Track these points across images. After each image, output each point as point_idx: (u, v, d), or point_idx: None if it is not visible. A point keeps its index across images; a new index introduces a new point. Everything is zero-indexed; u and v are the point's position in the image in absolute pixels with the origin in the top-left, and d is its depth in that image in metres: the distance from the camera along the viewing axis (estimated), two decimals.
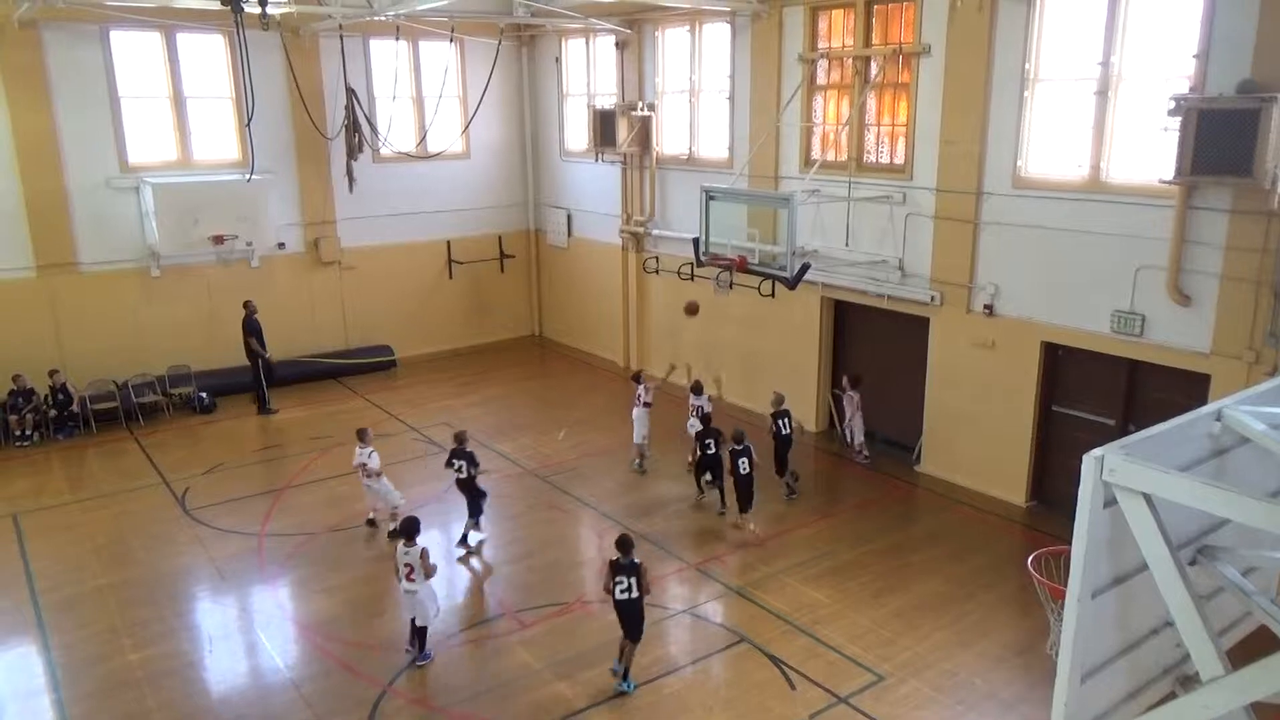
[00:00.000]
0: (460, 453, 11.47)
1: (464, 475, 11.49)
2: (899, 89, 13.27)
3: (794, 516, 12.27)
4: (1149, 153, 10.45)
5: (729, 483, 11.97)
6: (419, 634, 9.19)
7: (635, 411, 13.78)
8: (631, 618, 8.72)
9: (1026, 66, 11.52)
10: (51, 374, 15.27)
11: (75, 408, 15.45)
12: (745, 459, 11.58)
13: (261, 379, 16.63)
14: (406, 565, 9.05)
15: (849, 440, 14.14)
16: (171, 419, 16.12)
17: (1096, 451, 3.68)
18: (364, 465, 11.76)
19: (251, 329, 16.51)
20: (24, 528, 12.08)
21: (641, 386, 13.85)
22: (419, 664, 9.13)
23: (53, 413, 15.27)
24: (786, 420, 12.54)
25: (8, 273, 15.31)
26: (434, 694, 8.63)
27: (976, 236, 12.36)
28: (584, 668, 8.99)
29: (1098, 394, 11.71)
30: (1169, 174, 9.78)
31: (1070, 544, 3.89)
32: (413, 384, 18.00)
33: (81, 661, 9.20)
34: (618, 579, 8.67)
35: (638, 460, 13.79)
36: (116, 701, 8.58)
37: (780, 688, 8.66)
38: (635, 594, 8.64)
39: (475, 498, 11.65)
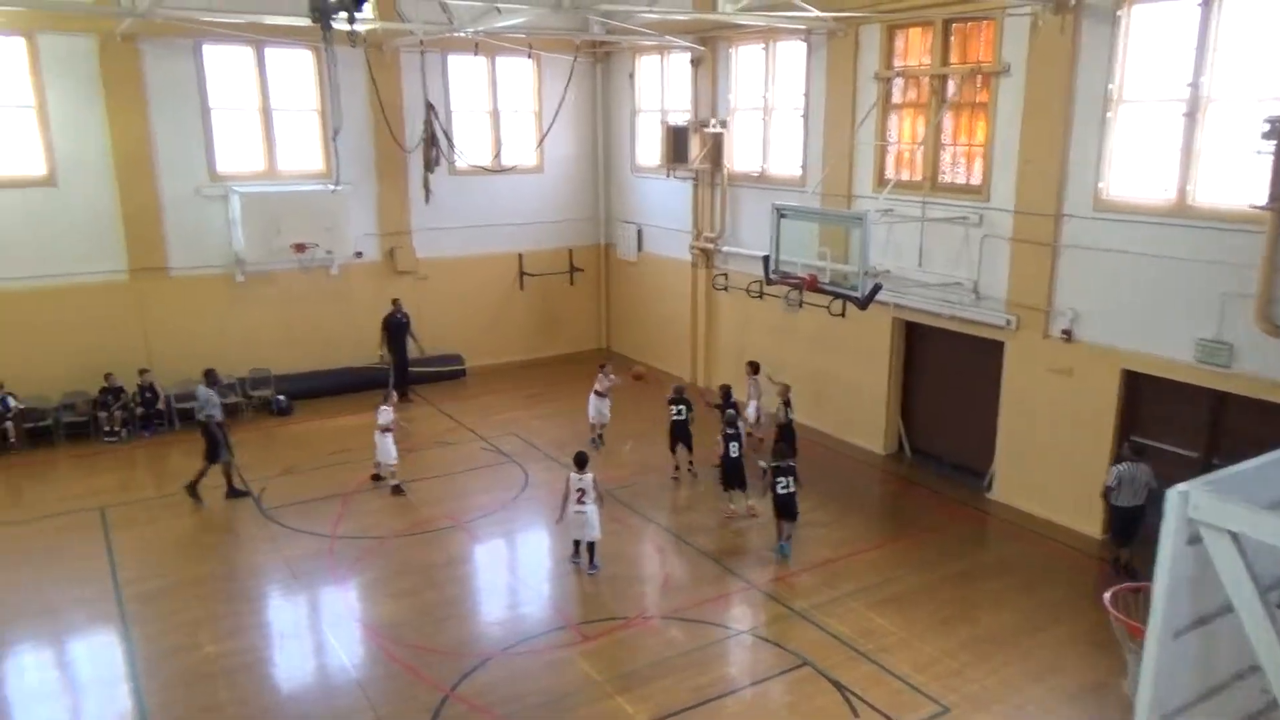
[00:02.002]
0: (678, 399, 13.71)
1: (682, 418, 13.65)
2: (976, 108, 13.08)
3: (860, 539, 12.11)
4: (1240, 176, 10.11)
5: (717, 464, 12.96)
6: (590, 548, 11.15)
7: (591, 398, 15.21)
8: (789, 507, 11.42)
9: (1110, 87, 11.26)
10: (141, 373, 15.91)
11: (161, 406, 16.07)
12: (735, 443, 12.53)
13: (395, 374, 17.63)
14: (579, 490, 10.96)
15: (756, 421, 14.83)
16: (250, 420, 16.63)
17: (1181, 486, 3.58)
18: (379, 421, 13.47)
19: (388, 325, 17.49)
20: (110, 520, 12.58)
21: (600, 374, 15.23)
22: (590, 573, 11.07)
23: (140, 410, 15.91)
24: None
25: (103, 275, 16.02)
26: (495, 703, 8.72)
27: (1055, 259, 12.09)
28: (645, 683, 8.99)
29: (1180, 425, 11.32)
30: (1261, 199, 9.45)
31: (1149, 580, 3.79)
32: (481, 394, 18.28)
33: (160, 653, 9.54)
34: (779, 479, 11.32)
35: (595, 436, 15.23)
36: (192, 693, 8.87)
37: (842, 714, 8.54)
38: (793, 489, 11.38)
39: (688, 441, 13.70)
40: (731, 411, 13.01)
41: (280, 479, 14.07)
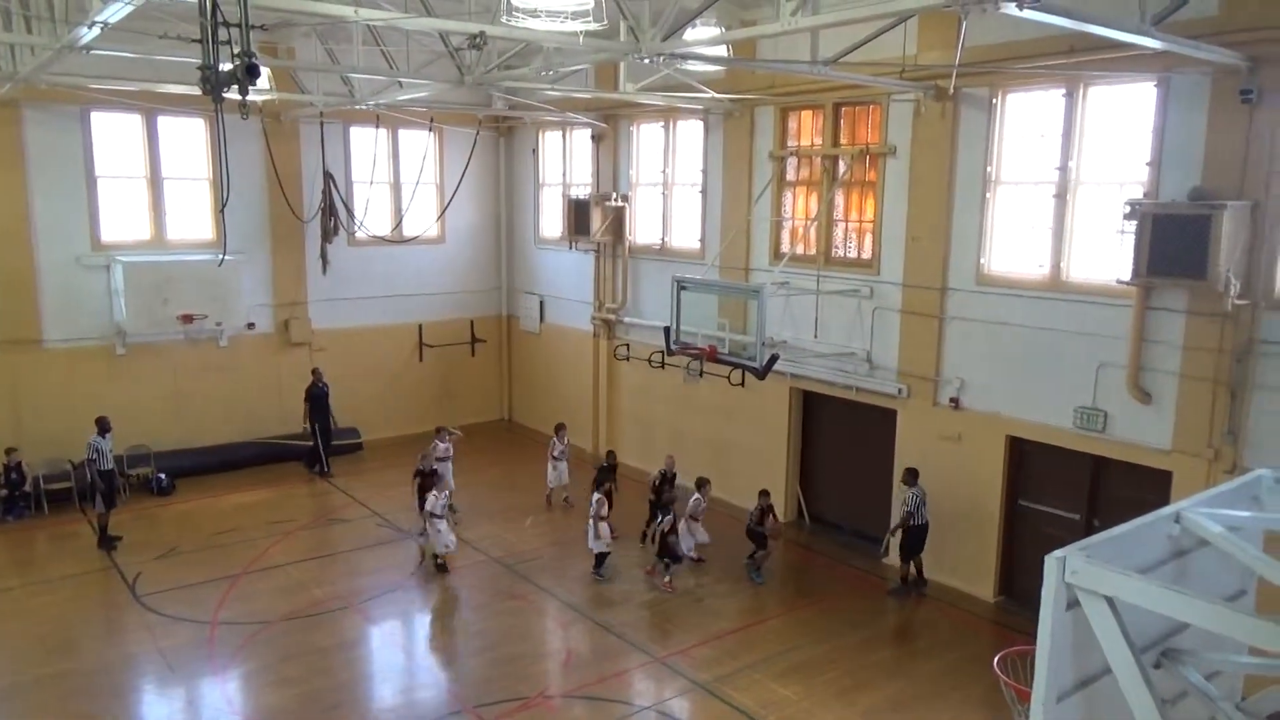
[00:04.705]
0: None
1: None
2: (866, 187, 13.66)
3: (763, 609, 12.09)
4: (1107, 254, 10.78)
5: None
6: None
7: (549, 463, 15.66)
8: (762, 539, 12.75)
9: (988, 169, 11.92)
10: (8, 453, 14.89)
11: (28, 488, 15.04)
12: (663, 515, 12.77)
13: (318, 442, 17.27)
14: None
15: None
16: (128, 501, 15.67)
17: (1058, 553, 3.69)
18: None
19: (310, 396, 17.18)
20: None
21: (555, 438, 15.64)
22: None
23: (3, 492, 14.85)
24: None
25: None
26: None
27: (942, 331, 12.58)
28: None
29: (1063, 489, 11.78)
30: (1126, 275, 10.05)
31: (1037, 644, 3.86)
32: (379, 467, 17.73)
33: None
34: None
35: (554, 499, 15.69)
36: None
37: None
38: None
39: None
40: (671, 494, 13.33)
41: (159, 562, 13.26)
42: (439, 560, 12.93)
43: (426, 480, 13.57)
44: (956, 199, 12.25)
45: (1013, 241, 11.94)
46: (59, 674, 10.26)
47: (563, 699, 9.92)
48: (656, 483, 13.96)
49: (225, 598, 12.15)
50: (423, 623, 12.03)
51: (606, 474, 14.50)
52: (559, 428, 15.95)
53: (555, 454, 15.61)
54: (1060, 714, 3.78)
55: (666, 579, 12.61)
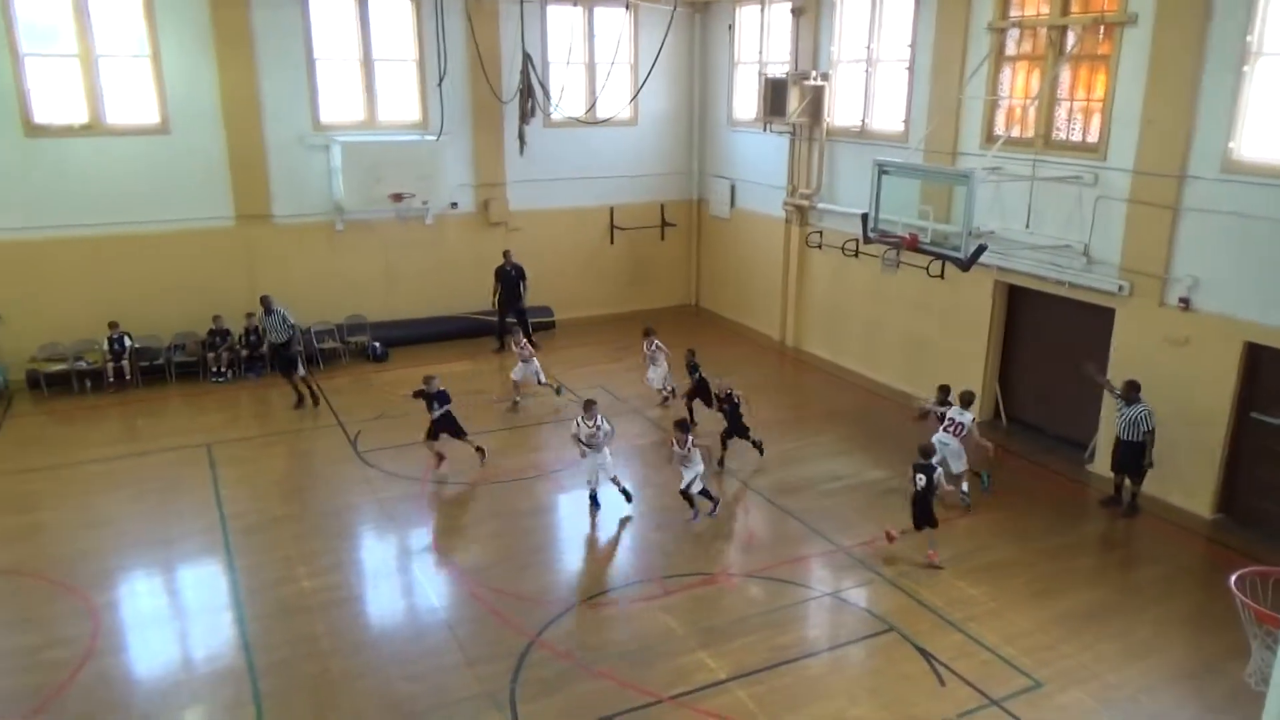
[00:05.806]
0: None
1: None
2: (1097, 61, 12.36)
3: (954, 507, 11.78)
4: None
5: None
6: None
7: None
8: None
9: (1249, 39, 10.47)
10: (248, 316, 16.47)
11: (265, 350, 16.64)
12: (924, 475, 10.20)
13: (503, 321, 17.95)
14: None
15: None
16: (347, 365, 17.08)
17: None
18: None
19: (499, 275, 17.79)
20: (216, 457, 13.14)
21: (646, 342, 15.11)
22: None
23: (244, 353, 16.51)
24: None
25: (213, 221, 16.60)
26: (579, 650, 8.84)
27: (1176, 223, 11.41)
28: (727, 639, 8.98)
29: None
30: None
31: (1277, 565, 3.52)
32: (569, 346, 18.38)
33: (260, 585, 9.95)
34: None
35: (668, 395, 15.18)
36: (289, 624, 9.23)
37: (929, 683, 8.38)
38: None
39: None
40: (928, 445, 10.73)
41: (375, 424, 14.44)
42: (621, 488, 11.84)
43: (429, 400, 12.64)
44: (1205, 75, 10.88)
45: (1271, 124, 10.54)
46: (294, 515, 11.51)
47: (743, 578, 10.17)
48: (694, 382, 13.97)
49: (433, 459, 13.08)
50: (609, 496, 12.53)
51: (701, 388, 13.90)
52: (647, 332, 15.22)
53: (647, 355, 15.09)
54: None
55: (931, 550, 10.35)
